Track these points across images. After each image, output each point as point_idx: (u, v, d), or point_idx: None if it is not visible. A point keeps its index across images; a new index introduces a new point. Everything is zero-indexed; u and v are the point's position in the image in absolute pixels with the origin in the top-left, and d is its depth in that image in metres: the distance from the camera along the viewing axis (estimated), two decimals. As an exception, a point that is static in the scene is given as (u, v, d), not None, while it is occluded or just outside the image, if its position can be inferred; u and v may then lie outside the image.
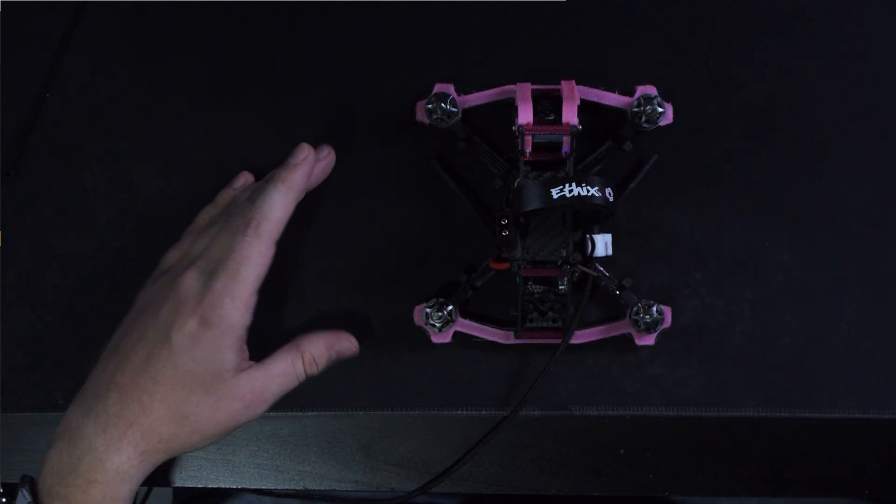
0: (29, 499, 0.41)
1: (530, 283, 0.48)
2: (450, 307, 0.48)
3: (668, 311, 0.48)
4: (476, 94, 0.49)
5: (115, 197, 0.53)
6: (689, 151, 0.50)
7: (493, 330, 0.49)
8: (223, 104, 0.53)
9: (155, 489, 0.63)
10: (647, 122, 0.48)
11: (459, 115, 0.49)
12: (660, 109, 0.47)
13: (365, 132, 0.52)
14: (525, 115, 0.46)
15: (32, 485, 0.42)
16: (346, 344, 0.47)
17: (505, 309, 0.49)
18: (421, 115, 0.49)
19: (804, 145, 0.50)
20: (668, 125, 0.48)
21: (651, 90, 0.48)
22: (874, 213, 0.49)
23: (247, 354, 0.44)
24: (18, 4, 0.55)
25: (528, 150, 0.47)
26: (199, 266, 0.44)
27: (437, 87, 0.49)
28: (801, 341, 0.49)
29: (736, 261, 0.50)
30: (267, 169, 0.52)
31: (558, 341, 0.47)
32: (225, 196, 0.50)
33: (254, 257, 0.44)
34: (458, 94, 0.49)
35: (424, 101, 0.49)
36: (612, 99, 0.48)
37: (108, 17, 0.54)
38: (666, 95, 0.48)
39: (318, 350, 0.46)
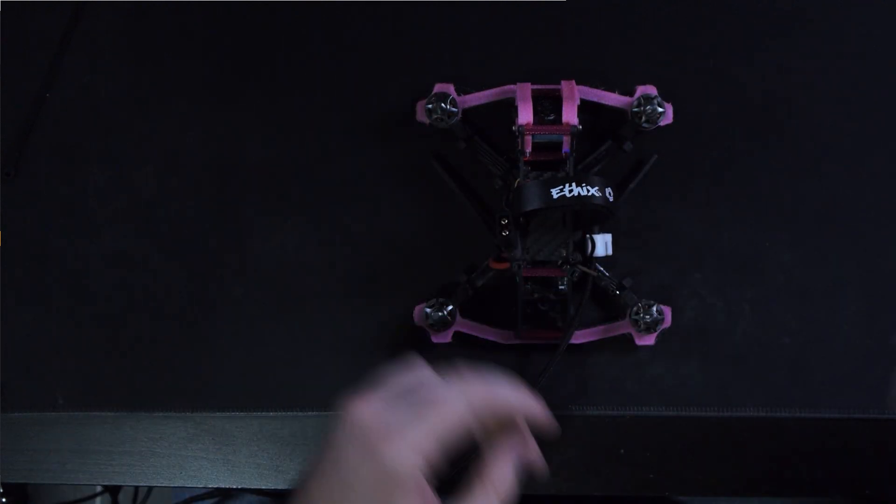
0: None
1: (530, 283, 0.48)
2: (450, 307, 0.48)
3: (668, 311, 0.48)
4: (476, 94, 0.49)
5: (115, 197, 0.53)
6: (689, 151, 0.50)
7: (493, 330, 0.49)
8: (223, 104, 0.53)
9: (155, 489, 0.64)
10: (647, 122, 0.48)
11: (459, 115, 0.49)
12: (660, 109, 0.47)
13: (365, 132, 0.52)
14: (525, 115, 0.46)
15: None
16: (534, 458, 0.40)
17: (505, 309, 0.49)
18: (421, 115, 0.49)
19: (804, 145, 0.50)
20: (668, 125, 0.48)
21: (651, 90, 0.48)
22: (874, 213, 0.49)
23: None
24: (18, 4, 0.55)
25: (528, 150, 0.47)
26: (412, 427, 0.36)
27: (437, 87, 0.49)
28: (801, 341, 0.49)
29: (736, 261, 0.50)
30: (266, 168, 0.52)
31: (558, 341, 0.47)
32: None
33: (455, 422, 0.36)
34: (458, 94, 0.49)
35: (424, 101, 0.49)
36: (612, 99, 0.48)
37: (108, 17, 0.54)
38: (666, 95, 0.48)
39: (511, 482, 0.38)
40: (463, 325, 0.49)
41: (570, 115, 0.46)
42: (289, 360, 0.51)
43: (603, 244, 0.48)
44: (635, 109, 0.48)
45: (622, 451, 0.50)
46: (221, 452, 0.52)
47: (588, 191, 0.43)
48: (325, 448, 0.38)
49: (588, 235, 0.48)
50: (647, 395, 0.50)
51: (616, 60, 0.51)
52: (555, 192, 0.43)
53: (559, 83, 0.47)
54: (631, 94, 0.48)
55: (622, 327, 0.49)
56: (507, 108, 0.48)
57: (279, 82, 0.53)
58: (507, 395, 0.38)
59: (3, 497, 0.48)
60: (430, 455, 0.35)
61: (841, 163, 0.50)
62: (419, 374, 0.39)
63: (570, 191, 0.43)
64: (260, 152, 0.52)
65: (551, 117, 0.47)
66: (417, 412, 0.36)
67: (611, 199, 0.44)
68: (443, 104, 0.48)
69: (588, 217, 0.48)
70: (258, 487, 0.52)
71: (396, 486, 0.35)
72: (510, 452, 0.39)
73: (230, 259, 0.52)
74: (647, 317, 0.47)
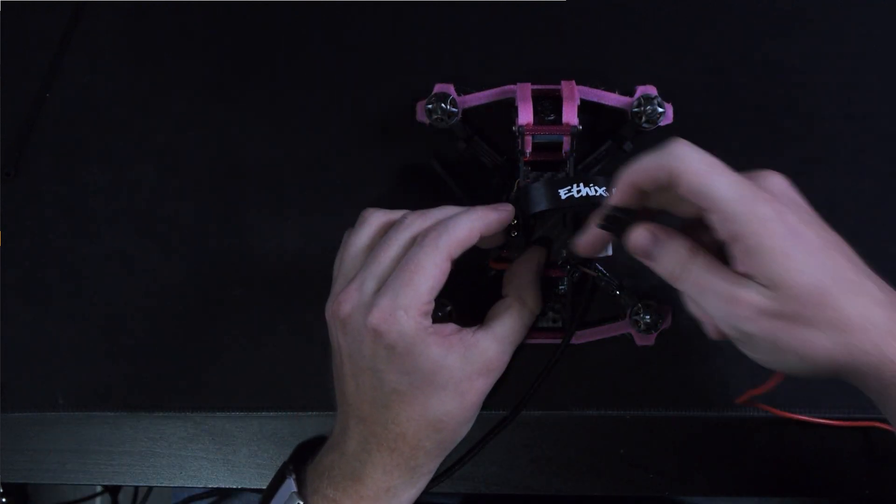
0: (295, 489, 0.42)
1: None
2: (449, 307, 0.48)
3: (668, 311, 0.48)
4: (476, 94, 0.49)
5: (115, 197, 0.53)
6: (689, 151, 0.50)
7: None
8: (223, 104, 0.53)
9: (155, 489, 0.63)
10: (647, 122, 0.48)
11: (459, 115, 0.49)
12: (660, 109, 0.47)
13: (365, 132, 0.52)
14: (525, 116, 0.46)
15: (297, 476, 0.43)
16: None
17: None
18: (421, 115, 0.49)
19: (804, 145, 0.50)
20: (668, 125, 0.48)
21: (651, 90, 0.48)
22: (874, 213, 0.49)
23: (451, 328, 0.41)
24: (18, 4, 0.55)
25: (529, 150, 0.47)
26: (366, 282, 0.40)
27: (437, 87, 0.49)
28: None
29: (736, 261, 0.50)
30: (266, 168, 0.52)
31: (558, 341, 0.47)
32: (378, 218, 0.43)
33: (428, 267, 0.39)
34: (458, 94, 0.49)
35: (424, 101, 0.49)
36: (612, 99, 0.48)
37: (108, 17, 0.54)
38: (666, 95, 0.48)
39: (533, 288, 0.43)
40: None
41: (570, 115, 0.46)
42: (289, 360, 0.51)
43: (603, 244, 0.48)
44: (635, 109, 0.48)
45: (622, 451, 0.50)
46: (221, 452, 0.52)
47: (596, 191, 0.43)
48: (338, 358, 0.42)
49: (588, 235, 0.48)
50: (647, 395, 0.50)
51: (616, 60, 0.51)
52: (563, 193, 0.43)
53: (559, 83, 0.47)
54: (631, 94, 0.48)
55: (622, 327, 0.49)
56: (507, 108, 0.48)
57: (279, 82, 0.53)
58: (463, 227, 0.41)
59: (3, 497, 0.48)
60: (424, 304, 0.39)
61: (841, 163, 0.50)
62: (377, 233, 0.42)
63: (579, 191, 0.43)
64: (260, 152, 0.53)
65: (551, 117, 0.47)
66: (401, 281, 0.39)
67: None
68: (443, 104, 0.48)
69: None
70: (258, 487, 0.52)
71: (411, 351, 0.39)
72: (519, 266, 0.43)
73: (230, 259, 0.52)
74: (647, 317, 0.47)
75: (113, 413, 0.53)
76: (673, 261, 0.38)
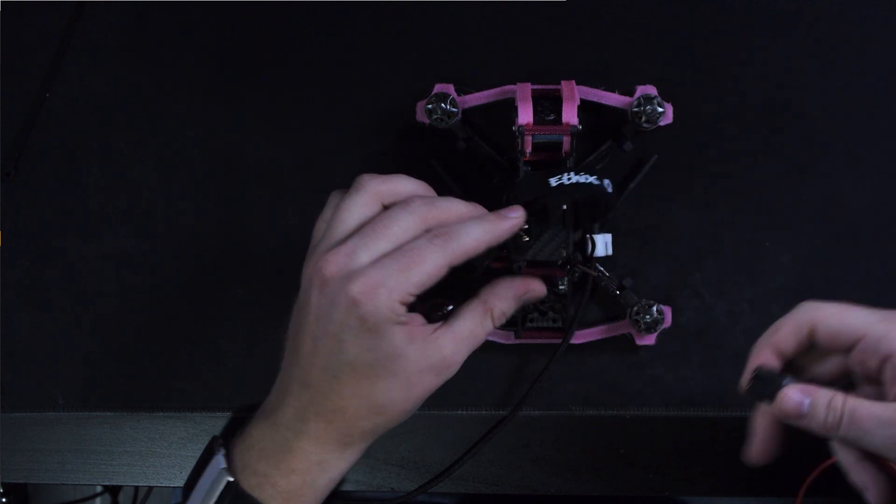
0: (224, 465, 0.40)
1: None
2: (449, 307, 0.48)
3: (668, 311, 0.48)
4: (476, 94, 0.49)
5: (115, 197, 0.53)
6: (689, 151, 0.50)
7: (493, 330, 0.49)
8: (223, 104, 0.53)
9: (155, 489, 0.63)
10: (647, 122, 0.48)
11: (459, 115, 0.49)
12: (660, 109, 0.47)
13: (365, 132, 0.52)
14: (525, 116, 0.46)
15: (227, 453, 0.41)
16: (537, 289, 0.43)
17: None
18: (421, 115, 0.49)
19: (804, 145, 0.50)
20: (668, 125, 0.48)
21: (651, 90, 0.48)
22: (874, 213, 0.49)
23: (419, 319, 0.40)
24: (18, 4, 0.55)
25: (528, 150, 0.47)
26: (358, 251, 0.39)
27: (437, 87, 0.49)
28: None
29: (736, 261, 0.50)
30: (266, 168, 0.52)
31: (558, 341, 0.47)
32: (376, 186, 0.42)
33: (428, 265, 0.39)
34: (458, 94, 0.49)
35: (424, 101, 0.49)
36: (612, 99, 0.48)
37: (108, 17, 0.54)
38: (666, 95, 0.48)
39: (507, 305, 0.43)
40: (463, 325, 0.49)
41: (570, 116, 0.46)
42: (289, 360, 0.51)
43: (603, 244, 0.48)
44: (635, 109, 0.48)
45: (622, 451, 0.50)
46: (221, 452, 0.52)
47: (587, 178, 0.43)
48: (303, 315, 0.41)
49: (588, 235, 0.48)
50: (647, 395, 0.50)
51: (616, 60, 0.51)
52: (553, 181, 0.43)
53: (559, 83, 0.47)
54: (631, 94, 0.48)
55: (622, 327, 0.49)
56: (507, 108, 0.48)
57: (279, 82, 0.53)
58: (473, 239, 0.40)
59: (3, 497, 0.48)
60: (409, 294, 0.38)
61: (841, 163, 0.50)
62: (375, 209, 0.41)
63: (569, 178, 0.43)
64: (260, 152, 0.53)
65: (551, 117, 0.47)
66: (397, 265, 0.38)
67: (609, 189, 0.44)
68: (443, 104, 0.48)
69: (588, 210, 0.48)
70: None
71: (378, 330, 0.38)
72: (509, 281, 0.43)
73: (230, 259, 0.52)
74: (647, 317, 0.47)
75: (113, 413, 0.53)
76: (827, 406, 0.37)
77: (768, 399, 0.38)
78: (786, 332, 0.38)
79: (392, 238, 0.39)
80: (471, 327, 0.42)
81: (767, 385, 0.38)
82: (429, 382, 0.40)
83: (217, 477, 0.40)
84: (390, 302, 0.38)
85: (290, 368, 0.42)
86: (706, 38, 0.51)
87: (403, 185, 0.42)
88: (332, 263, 0.39)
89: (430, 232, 0.40)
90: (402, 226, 0.40)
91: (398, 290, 0.38)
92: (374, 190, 0.41)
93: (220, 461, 0.40)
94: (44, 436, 0.53)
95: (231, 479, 0.40)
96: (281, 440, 0.40)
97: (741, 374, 0.49)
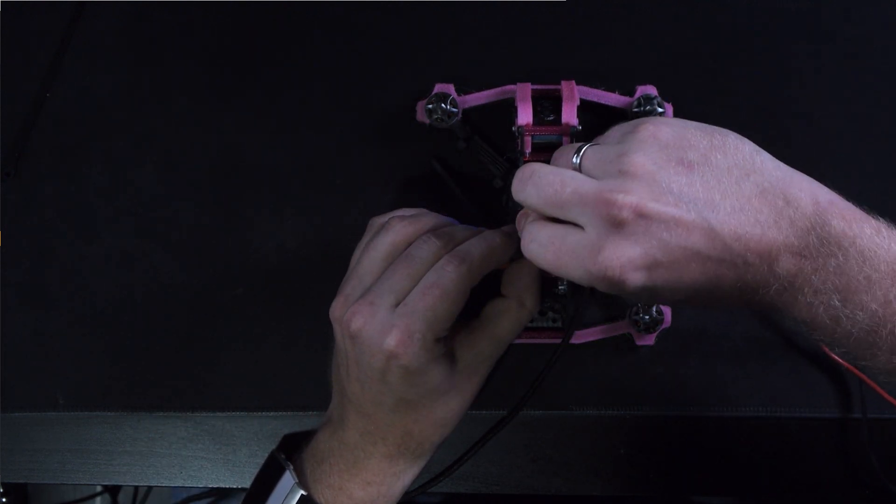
0: (295, 480, 0.41)
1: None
2: None
3: (668, 311, 0.48)
4: (476, 94, 0.49)
5: (115, 197, 0.53)
6: (689, 151, 0.50)
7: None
8: (223, 104, 0.53)
9: (155, 489, 0.63)
10: (647, 122, 0.48)
11: (459, 115, 0.49)
12: (660, 109, 0.47)
13: (365, 132, 0.52)
14: (525, 116, 0.46)
15: (295, 466, 0.42)
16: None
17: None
18: (421, 115, 0.49)
19: (804, 145, 0.50)
20: (668, 125, 0.48)
21: (651, 90, 0.48)
22: (874, 213, 0.49)
23: (452, 347, 0.41)
24: (18, 4, 0.55)
25: (528, 150, 0.47)
26: (382, 297, 0.39)
27: (437, 87, 0.49)
28: (801, 341, 0.49)
29: (736, 261, 0.50)
30: (266, 168, 0.52)
31: (558, 341, 0.47)
32: (405, 228, 0.42)
33: (452, 293, 0.39)
34: (458, 94, 0.49)
35: (424, 101, 0.49)
36: (612, 99, 0.48)
37: (108, 17, 0.54)
38: (666, 95, 0.48)
39: (538, 296, 0.43)
40: (463, 325, 0.49)
41: (569, 116, 0.46)
42: (289, 360, 0.51)
43: (603, 244, 0.48)
44: (635, 109, 0.48)
45: (622, 451, 0.50)
46: (221, 452, 0.52)
47: None
48: (343, 359, 0.42)
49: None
50: (647, 395, 0.50)
51: (616, 60, 0.51)
52: None
53: (559, 83, 0.47)
54: (631, 94, 0.48)
55: (622, 327, 0.49)
56: (507, 108, 0.48)
57: (279, 82, 0.53)
58: (487, 255, 0.40)
59: (3, 497, 0.48)
60: (443, 330, 0.39)
61: (841, 163, 0.50)
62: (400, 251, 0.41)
63: None
64: (260, 152, 0.53)
65: (551, 117, 0.47)
66: (423, 304, 0.38)
67: None
68: (443, 104, 0.48)
69: None
70: (258, 487, 0.52)
71: (423, 371, 0.39)
72: (521, 267, 0.43)
73: (230, 259, 0.52)
74: (647, 317, 0.47)
75: (113, 413, 0.53)
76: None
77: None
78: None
79: (412, 276, 0.40)
80: (507, 326, 0.43)
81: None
82: (476, 381, 0.43)
83: (291, 491, 0.41)
84: (426, 344, 0.39)
85: (342, 398, 0.43)
86: (706, 38, 0.51)
87: (427, 223, 0.42)
88: (359, 315, 0.39)
89: (443, 258, 0.40)
90: (420, 260, 0.40)
91: (431, 330, 0.39)
92: (403, 232, 0.42)
93: (290, 477, 0.42)
94: (44, 436, 0.53)
95: (304, 492, 0.41)
96: (352, 458, 0.42)
97: (740, 374, 0.49)
